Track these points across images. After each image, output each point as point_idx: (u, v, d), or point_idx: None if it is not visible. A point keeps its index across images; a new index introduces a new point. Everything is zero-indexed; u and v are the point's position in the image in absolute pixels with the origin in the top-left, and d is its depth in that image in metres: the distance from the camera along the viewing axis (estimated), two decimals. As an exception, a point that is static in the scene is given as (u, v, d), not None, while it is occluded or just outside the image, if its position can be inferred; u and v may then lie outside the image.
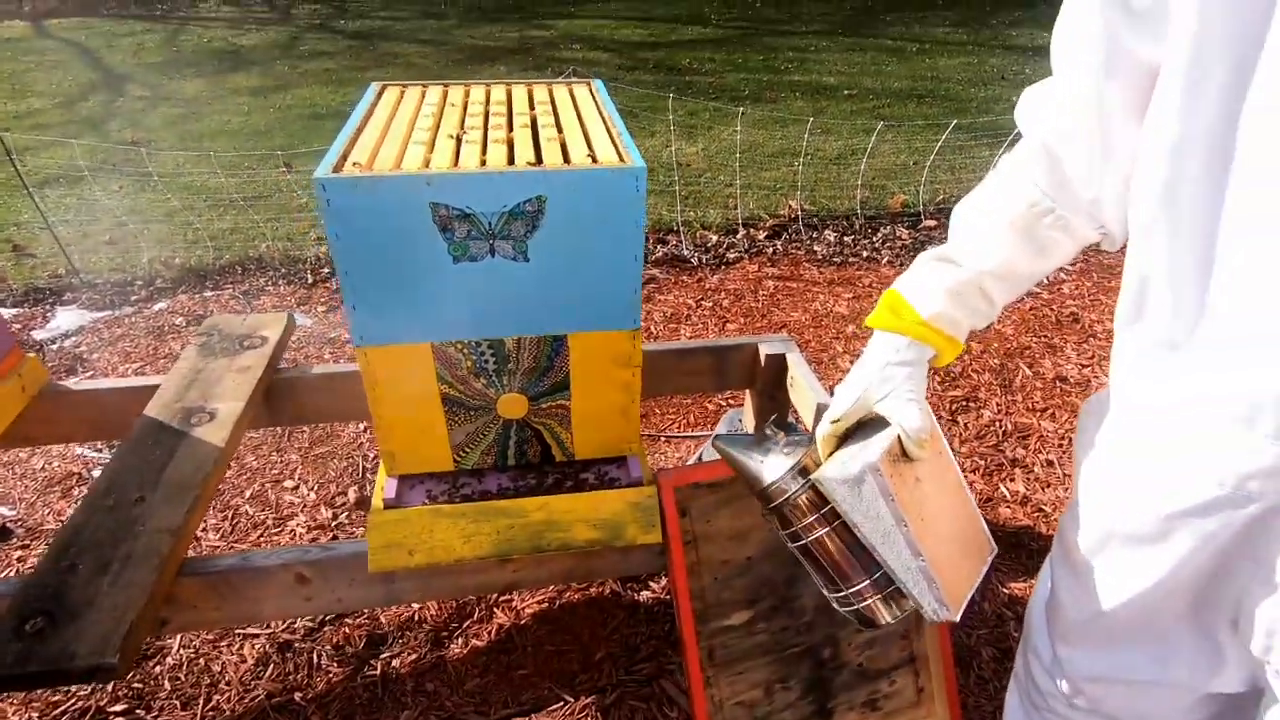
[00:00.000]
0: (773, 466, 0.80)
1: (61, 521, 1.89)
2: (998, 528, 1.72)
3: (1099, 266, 2.90)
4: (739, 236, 3.25)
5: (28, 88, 6.51)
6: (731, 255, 3.11)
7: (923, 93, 5.60)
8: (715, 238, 3.25)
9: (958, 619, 0.74)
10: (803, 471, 0.78)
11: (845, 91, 5.72)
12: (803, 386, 1.52)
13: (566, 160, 0.93)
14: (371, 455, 2.04)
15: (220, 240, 3.52)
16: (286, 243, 3.47)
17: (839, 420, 0.78)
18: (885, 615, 0.78)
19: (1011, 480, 1.85)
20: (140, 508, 1.09)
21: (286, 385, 1.46)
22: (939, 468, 0.79)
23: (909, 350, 0.77)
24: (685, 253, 3.12)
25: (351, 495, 1.90)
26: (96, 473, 2.04)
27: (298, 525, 1.81)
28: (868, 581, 0.77)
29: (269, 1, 9.93)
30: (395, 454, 1.09)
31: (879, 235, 3.23)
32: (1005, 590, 1.57)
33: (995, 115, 4.93)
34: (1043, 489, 1.82)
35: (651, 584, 1.59)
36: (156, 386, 1.38)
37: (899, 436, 0.74)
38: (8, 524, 1.88)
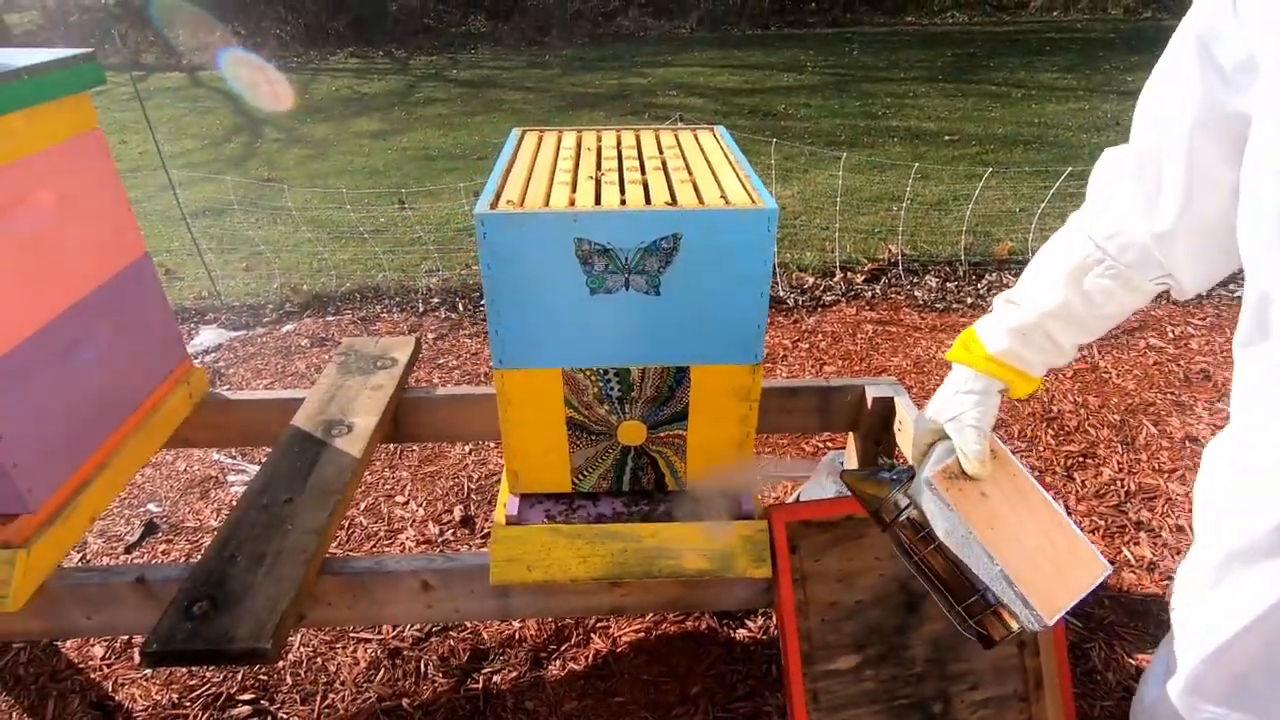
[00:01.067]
0: (885, 483, 0.92)
1: (199, 520, 2.06)
2: (1121, 594, 1.62)
3: (1231, 321, 2.71)
4: (836, 279, 3.23)
5: (183, 130, 7.29)
6: (828, 298, 3.10)
7: (1029, 139, 5.45)
8: (812, 280, 3.24)
9: (1051, 624, 0.79)
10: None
11: (946, 137, 5.63)
12: (910, 431, 1.49)
13: (700, 200, 0.98)
14: (476, 477, 2.13)
15: (342, 269, 3.81)
16: (400, 273, 3.71)
17: (922, 434, 0.92)
18: (999, 630, 0.83)
19: (1136, 544, 1.73)
20: (289, 508, 1.19)
21: (413, 404, 1.56)
22: (1011, 486, 0.86)
23: (976, 381, 0.90)
24: (781, 294, 3.13)
25: (456, 514, 1.98)
26: (231, 477, 2.23)
27: (407, 539, 1.91)
28: (977, 596, 0.83)
29: (390, 53, 10.77)
30: (519, 473, 1.15)
31: (984, 282, 3.14)
32: (1131, 661, 1.47)
33: (1109, 162, 4.74)
34: (1172, 556, 1.70)
35: (748, 622, 1.58)
36: (301, 400, 1.51)
37: (955, 461, 0.85)
38: (154, 519, 2.08)
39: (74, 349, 1.20)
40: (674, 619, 1.59)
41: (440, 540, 1.90)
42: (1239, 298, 2.62)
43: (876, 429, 1.63)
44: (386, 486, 2.12)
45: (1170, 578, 1.64)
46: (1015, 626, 0.82)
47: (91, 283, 1.26)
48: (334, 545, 1.92)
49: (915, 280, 3.21)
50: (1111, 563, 1.69)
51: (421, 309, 3.35)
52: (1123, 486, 1.91)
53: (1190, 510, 1.79)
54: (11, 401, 1.05)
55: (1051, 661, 1.16)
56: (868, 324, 2.87)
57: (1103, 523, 1.80)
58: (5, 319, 1.06)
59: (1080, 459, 2.02)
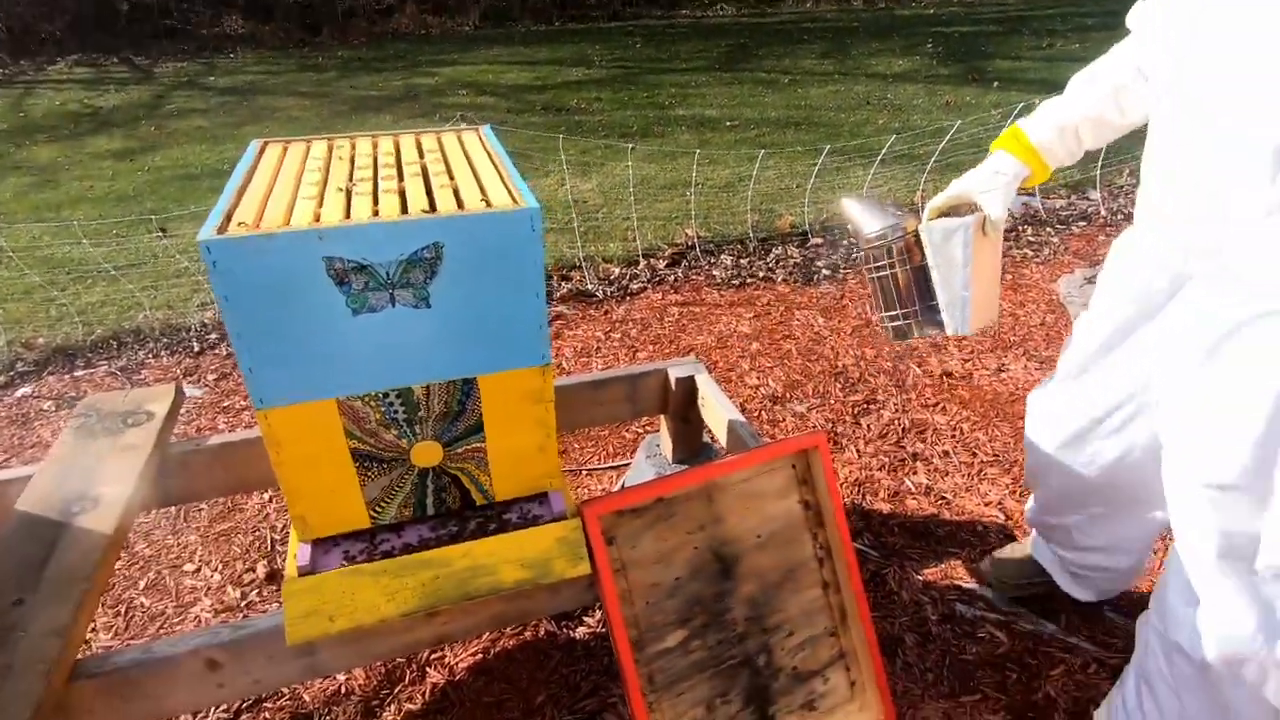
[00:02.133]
0: (883, 220, 1.17)
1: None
2: (905, 519, 1.83)
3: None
4: (640, 267, 3.33)
5: None
6: (635, 286, 3.18)
7: (799, 120, 5.96)
8: (618, 270, 3.31)
9: (968, 333, 1.14)
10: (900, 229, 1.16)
11: (728, 123, 6.00)
12: (714, 405, 1.57)
13: (461, 206, 0.95)
14: (280, 526, 1.93)
15: (90, 314, 3.28)
16: (167, 310, 3.27)
17: (949, 197, 1.16)
18: (916, 332, 1.19)
19: (914, 474, 1.97)
20: (19, 611, 1.00)
21: (180, 461, 1.38)
22: (992, 252, 1.15)
23: (1012, 165, 1.14)
24: (590, 287, 3.16)
25: (261, 570, 1.79)
26: (-42, 582, 1.83)
27: (202, 610, 1.69)
28: (916, 308, 1.16)
29: (128, 60, 9.41)
30: (306, 517, 1.05)
31: (772, 256, 3.39)
32: (919, 577, 1.66)
33: (865, 138, 5.31)
34: (942, 478, 1.95)
35: (586, 619, 1.58)
36: (29, 478, 1.27)
37: (984, 219, 1.11)
38: None
39: None
40: (511, 632, 1.55)
41: (244, 604, 1.70)
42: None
43: (683, 408, 1.70)
44: (171, 556, 1.86)
45: (944, 498, 1.88)
46: (935, 334, 1.18)
47: None
48: (110, 637, 1.65)
49: (712, 260, 3.39)
50: (895, 494, 1.91)
51: (197, 348, 2.98)
52: (899, 424, 2.16)
53: (953, 438, 2.07)
54: None
55: (851, 595, 1.27)
56: (673, 307, 2.99)
57: (887, 459, 2.03)
58: None
59: (865, 405, 2.26)
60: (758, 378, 2.44)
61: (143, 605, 1.72)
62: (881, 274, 1.19)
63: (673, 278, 3.24)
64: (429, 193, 1.00)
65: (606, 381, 1.65)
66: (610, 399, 1.68)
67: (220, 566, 1.81)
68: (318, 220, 0.89)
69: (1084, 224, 3.61)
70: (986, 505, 1.85)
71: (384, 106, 6.94)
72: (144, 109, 7.26)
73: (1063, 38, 8.28)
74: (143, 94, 7.88)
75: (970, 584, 1.63)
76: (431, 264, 0.92)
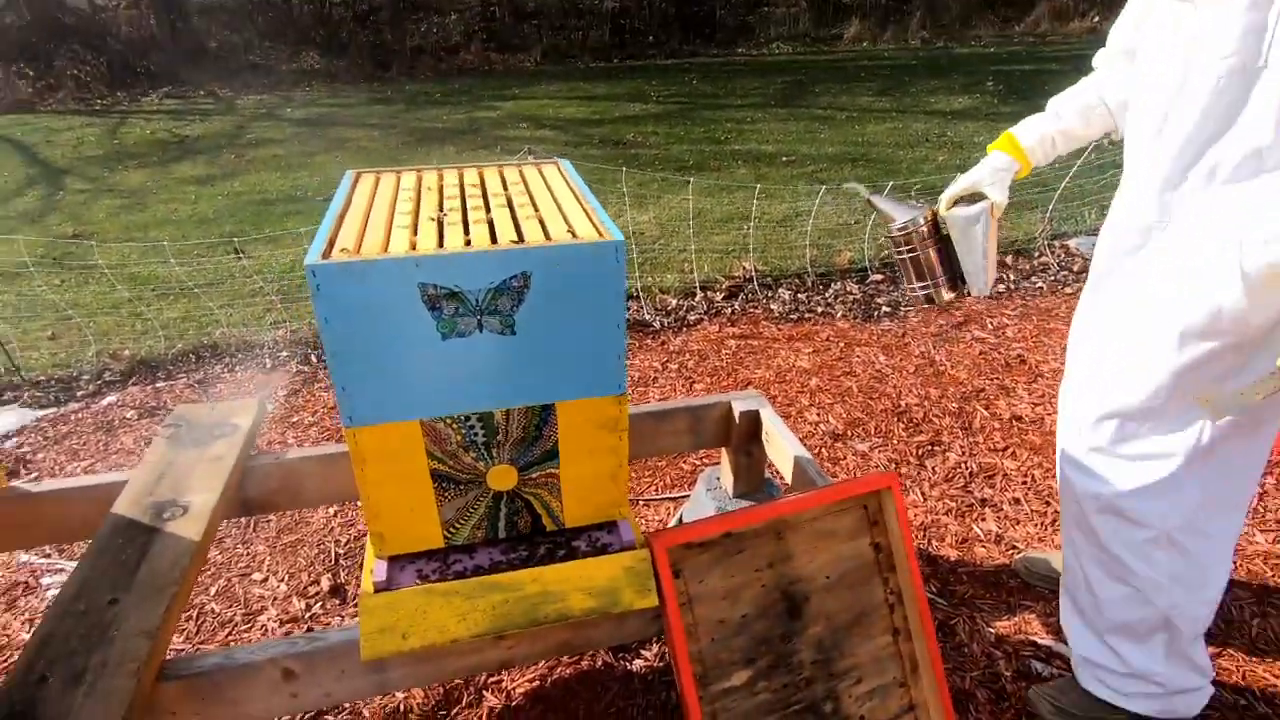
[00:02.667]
0: (907, 212, 1.43)
1: (8, 636, 1.76)
2: (975, 567, 1.76)
3: (1038, 311, 3.08)
4: (697, 299, 3.34)
5: (-41, 187, 6.36)
6: (692, 317, 3.20)
7: (855, 156, 5.95)
8: (675, 301, 3.34)
9: (988, 293, 1.55)
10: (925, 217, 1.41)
11: (784, 159, 6.03)
12: (779, 441, 1.56)
13: (548, 237, 0.98)
14: (344, 540, 1.98)
15: (171, 329, 3.45)
16: (242, 328, 3.42)
17: (962, 187, 1.37)
18: (946, 295, 1.42)
19: (983, 520, 1.90)
20: (114, 610, 1.04)
21: (262, 472, 1.43)
22: (995, 230, 1.39)
23: (1008, 162, 1.37)
24: (647, 317, 3.19)
25: (325, 584, 1.83)
26: (45, 580, 1.93)
27: (269, 620, 1.74)
28: (943, 278, 1.41)
29: (213, 93, 10.02)
30: (384, 535, 1.08)
31: (831, 291, 3.36)
32: (991, 630, 1.60)
33: (925, 175, 5.26)
34: (1013, 527, 1.88)
35: (644, 652, 1.56)
36: (123, 483, 1.34)
37: (992, 205, 1.34)
38: (-55, 644, 1.75)
39: None
40: (568, 661, 1.55)
41: (308, 616, 1.74)
42: (1039, 289, 2.94)
43: (746, 441, 1.68)
44: (241, 565, 1.92)
45: (1016, 548, 1.81)
46: (953, 296, 1.43)
47: None
48: (181, 640, 1.71)
49: (770, 294, 3.38)
50: (963, 541, 1.84)
51: (269, 365, 3.10)
52: (966, 468, 2.10)
53: (1023, 484, 1.99)
54: None
55: (923, 644, 1.23)
56: (730, 339, 2.99)
57: (954, 504, 1.97)
58: None
59: (929, 447, 2.20)
60: (818, 414, 2.41)
61: (213, 611, 1.78)
62: (911, 254, 1.43)
63: (730, 310, 3.25)
64: (515, 223, 1.03)
65: (670, 412, 1.65)
66: (673, 430, 1.68)
67: (286, 577, 1.86)
68: (414, 248, 0.93)
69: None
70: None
71: (447, 138, 7.21)
72: (225, 138, 7.70)
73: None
74: (225, 124, 8.36)
75: (1046, 640, 1.56)
76: (519, 292, 0.95)
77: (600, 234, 0.98)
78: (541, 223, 1.03)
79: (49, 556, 2.01)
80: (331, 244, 0.93)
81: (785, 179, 5.42)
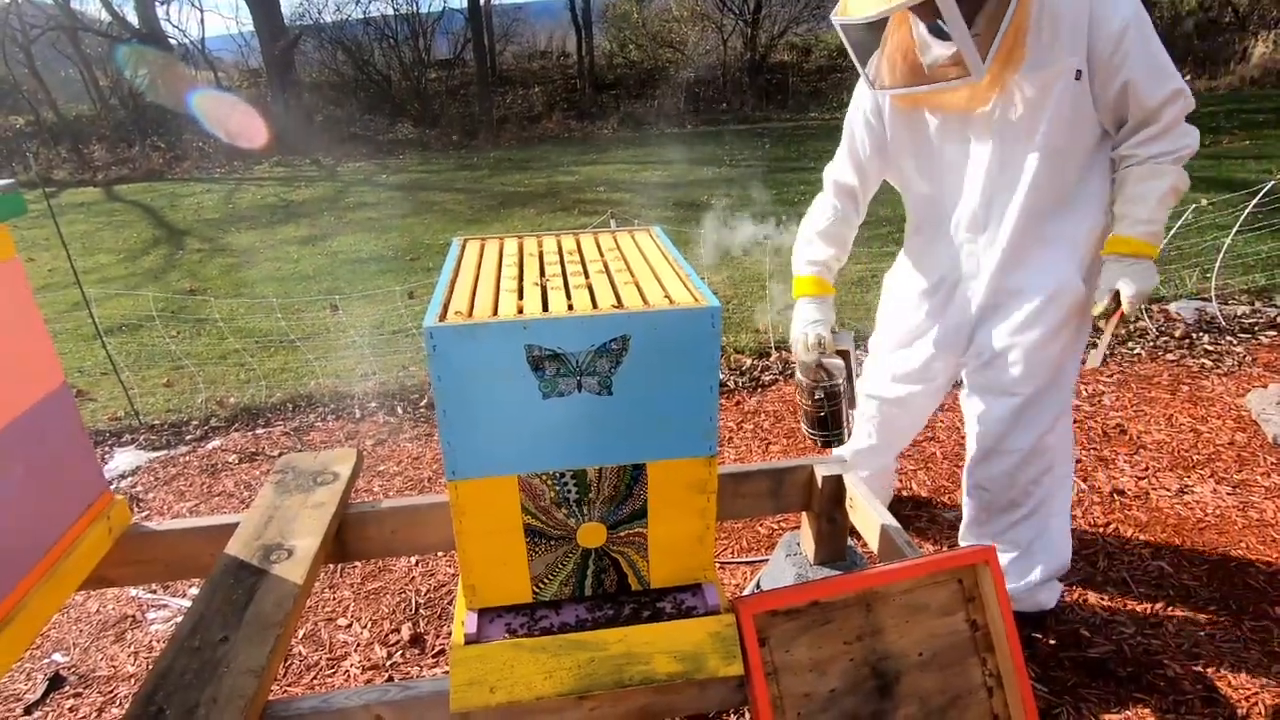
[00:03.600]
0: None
1: (114, 667, 1.87)
2: (1078, 654, 1.64)
3: (1136, 378, 2.92)
4: (772, 359, 3.34)
5: (97, 245, 7.07)
6: (766, 378, 3.18)
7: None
8: (749, 361, 3.34)
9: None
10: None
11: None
12: (864, 508, 1.52)
13: (645, 301, 1.01)
14: (424, 590, 2.02)
15: (272, 379, 3.68)
16: (335, 379, 3.61)
17: (813, 348, 1.71)
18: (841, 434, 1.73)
19: (1086, 601, 1.78)
20: (224, 648, 1.10)
21: (358, 520, 1.50)
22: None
23: (815, 307, 1.77)
24: (722, 377, 3.19)
25: (405, 633, 1.87)
26: (150, 614, 2.04)
27: (352, 666, 1.78)
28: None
29: (317, 161, 10.88)
30: (477, 587, 1.11)
31: (910, 354, 3.29)
32: (1098, 723, 1.48)
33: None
34: (1121, 609, 1.75)
35: (722, 723, 1.52)
36: (234, 525, 1.43)
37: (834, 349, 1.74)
38: (60, 671, 1.87)
39: (-20, 491, 1.11)
40: (644, 727, 1.51)
41: (388, 664, 1.78)
42: (1137, 354, 2.80)
43: (829, 506, 1.65)
44: (327, 609, 1.99)
45: (1122, 632, 1.68)
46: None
47: (4, 417, 1.18)
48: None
49: (846, 356, 3.34)
50: (1064, 623, 1.72)
51: (359, 415, 3.26)
52: (1064, 544, 1.98)
53: (1128, 562, 1.86)
54: (-94, 557, 0.96)
55: (1026, 733, 1.15)
56: (807, 401, 2.95)
57: (1051, 582, 1.85)
58: (-97, 466, 0.97)
59: (1021, 520, 2.09)
60: (899, 480, 2.33)
61: (300, 654, 1.84)
62: (834, 407, 1.70)
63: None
64: (614, 288, 1.07)
65: (750, 474, 1.64)
66: (753, 492, 1.66)
67: (369, 624, 1.91)
68: (520, 312, 0.98)
69: (1274, 333, 3.26)
70: (1178, 648, 1.63)
71: (528, 201, 7.56)
72: (326, 202, 8.31)
73: (1228, 134, 7.77)
74: (327, 189, 9.04)
75: (1162, 738, 1.43)
76: (617, 354, 0.98)
77: (696, 299, 1.01)
78: (639, 287, 1.07)
79: (154, 592, 2.13)
80: (446, 306, 1.00)
81: (861, 240, 5.38)
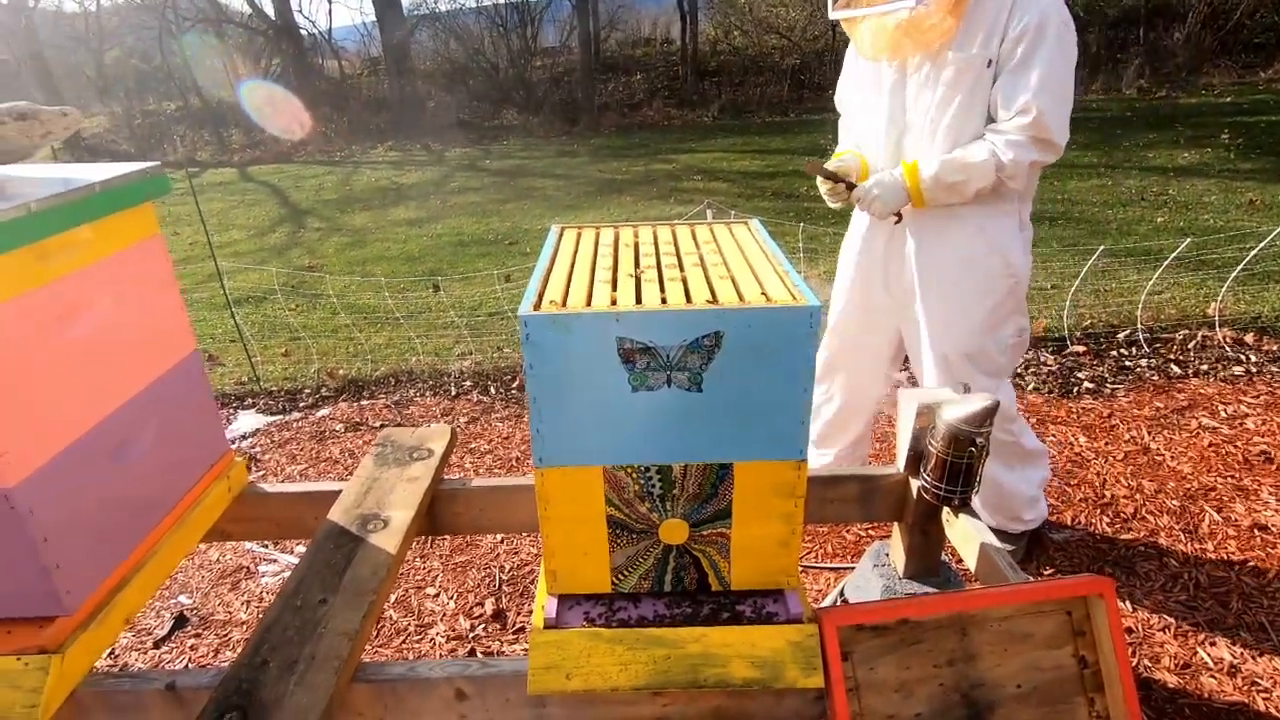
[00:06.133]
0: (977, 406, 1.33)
1: (229, 613, 2.03)
2: (1202, 701, 1.49)
3: (1287, 400, 2.61)
4: (868, 359, 3.20)
5: (230, 222, 7.69)
6: (861, 378, 3.06)
7: (1054, 215, 5.48)
8: (843, 360, 3.22)
9: None
10: None
11: (969, 215, 5.68)
12: (963, 524, 1.43)
13: (741, 297, 0.99)
14: (509, 567, 2.08)
15: (377, 353, 3.89)
16: (434, 357, 3.77)
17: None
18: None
19: (1213, 645, 1.61)
20: (323, 609, 1.17)
21: (448, 496, 1.55)
22: None
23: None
24: (813, 374, 3.10)
25: (488, 607, 1.93)
26: (262, 567, 2.21)
27: (437, 634, 1.86)
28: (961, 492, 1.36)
29: (427, 146, 11.36)
30: (558, 573, 1.12)
31: (1022, 361, 3.08)
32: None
33: (1139, 238, 4.72)
34: (1254, 658, 1.57)
35: (796, 731, 1.48)
36: (337, 492, 1.51)
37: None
38: (185, 612, 2.05)
39: (122, 448, 1.22)
40: (716, 726, 1.50)
41: (471, 636, 1.84)
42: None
43: (924, 519, 1.57)
44: (418, 577, 2.08)
45: (1258, 683, 1.51)
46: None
47: (142, 381, 1.29)
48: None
49: (949, 359, 3.16)
50: (1185, 667, 1.57)
51: (454, 392, 3.39)
52: (1191, 579, 1.80)
53: (1268, 606, 1.67)
54: (58, 503, 1.06)
55: (1136, 785, 1.06)
56: (903, 404, 2.82)
57: (1173, 620, 1.69)
58: (59, 421, 1.08)
59: (1143, 549, 1.92)
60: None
61: (391, 619, 1.94)
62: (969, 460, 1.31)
63: (906, 375, 3.07)
64: (709, 283, 1.05)
65: (840, 479, 1.58)
66: (841, 497, 1.60)
67: (456, 596, 1.98)
68: (614, 304, 0.98)
69: None
70: (1322, 706, 1.45)
71: (625, 188, 7.60)
72: (433, 186, 8.67)
73: None
74: (434, 174, 9.44)
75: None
76: (710, 351, 0.96)
77: (794, 298, 0.97)
78: (735, 283, 1.04)
79: (266, 547, 2.30)
80: (541, 295, 1.01)
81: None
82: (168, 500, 1.35)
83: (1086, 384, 2.83)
